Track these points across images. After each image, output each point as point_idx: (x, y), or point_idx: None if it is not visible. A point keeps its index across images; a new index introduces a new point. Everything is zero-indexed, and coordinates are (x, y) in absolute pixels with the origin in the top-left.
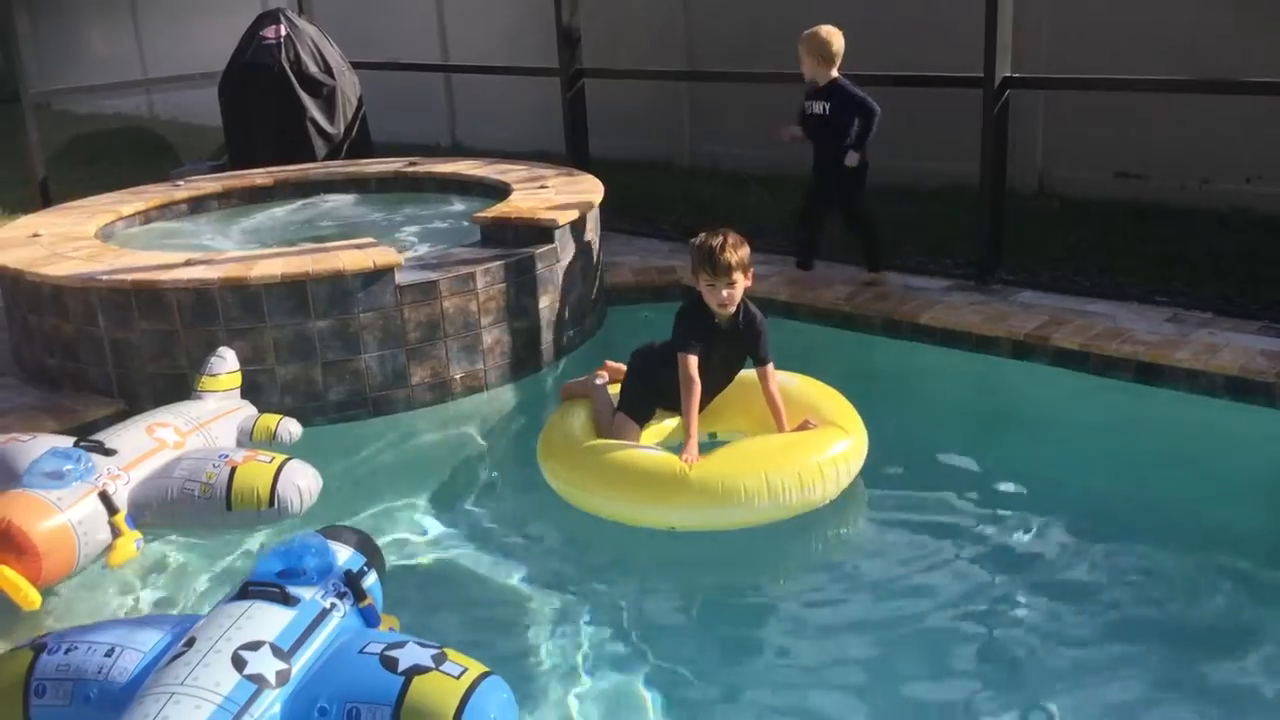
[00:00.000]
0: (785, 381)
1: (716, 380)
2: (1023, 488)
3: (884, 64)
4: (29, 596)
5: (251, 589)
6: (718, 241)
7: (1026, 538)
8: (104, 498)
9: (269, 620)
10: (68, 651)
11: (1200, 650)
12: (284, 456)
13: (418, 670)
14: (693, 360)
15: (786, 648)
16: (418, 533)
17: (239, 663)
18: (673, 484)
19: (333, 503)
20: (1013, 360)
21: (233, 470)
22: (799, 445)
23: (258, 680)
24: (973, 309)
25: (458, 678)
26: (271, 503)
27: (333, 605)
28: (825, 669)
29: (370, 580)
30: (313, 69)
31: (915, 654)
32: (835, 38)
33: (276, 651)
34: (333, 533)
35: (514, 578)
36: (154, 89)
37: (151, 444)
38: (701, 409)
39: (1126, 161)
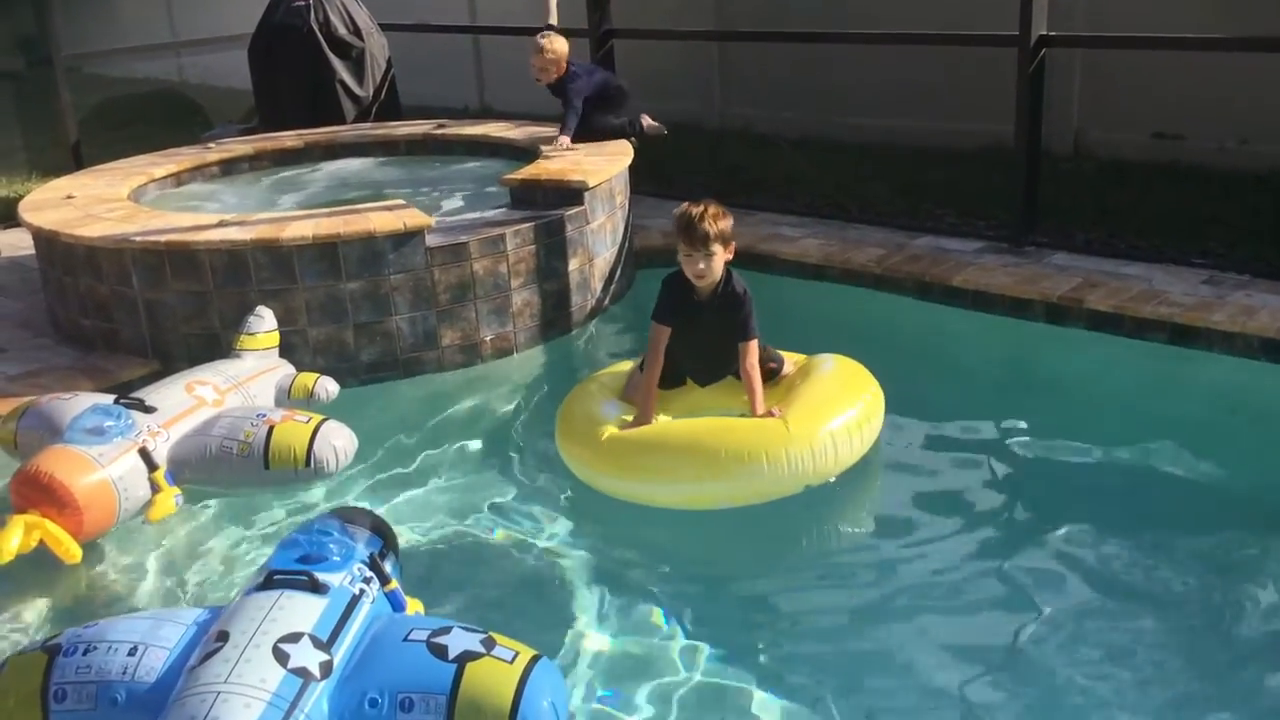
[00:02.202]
0: (822, 364)
1: (709, 352)
2: (1055, 452)
3: (919, 23)
4: (70, 550)
5: (277, 578)
6: (697, 211)
7: (1058, 503)
8: (144, 454)
9: (303, 610)
10: (86, 652)
11: (1231, 619)
12: (321, 417)
13: (469, 656)
14: (662, 330)
15: (811, 620)
16: (443, 500)
17: (281, 656)
18: (589, 446)
19: (363, 465)
20: (1046, 323)
21: (270, 429)
22: (719, 433)
23: (303, 674)
24: (1006, 271)
25: (510, 662)
26: (308, 462)
27: (361, 591)
28: (846, 642)
29: (390, 563)
30: (342, 31)
31: (938, 625)
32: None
33: (316, 642)
34: (345, 514)
35: (540, 551)
36: (184, 52)
37: (191, 402)
38: (705, 382)
39: (1163, 122)
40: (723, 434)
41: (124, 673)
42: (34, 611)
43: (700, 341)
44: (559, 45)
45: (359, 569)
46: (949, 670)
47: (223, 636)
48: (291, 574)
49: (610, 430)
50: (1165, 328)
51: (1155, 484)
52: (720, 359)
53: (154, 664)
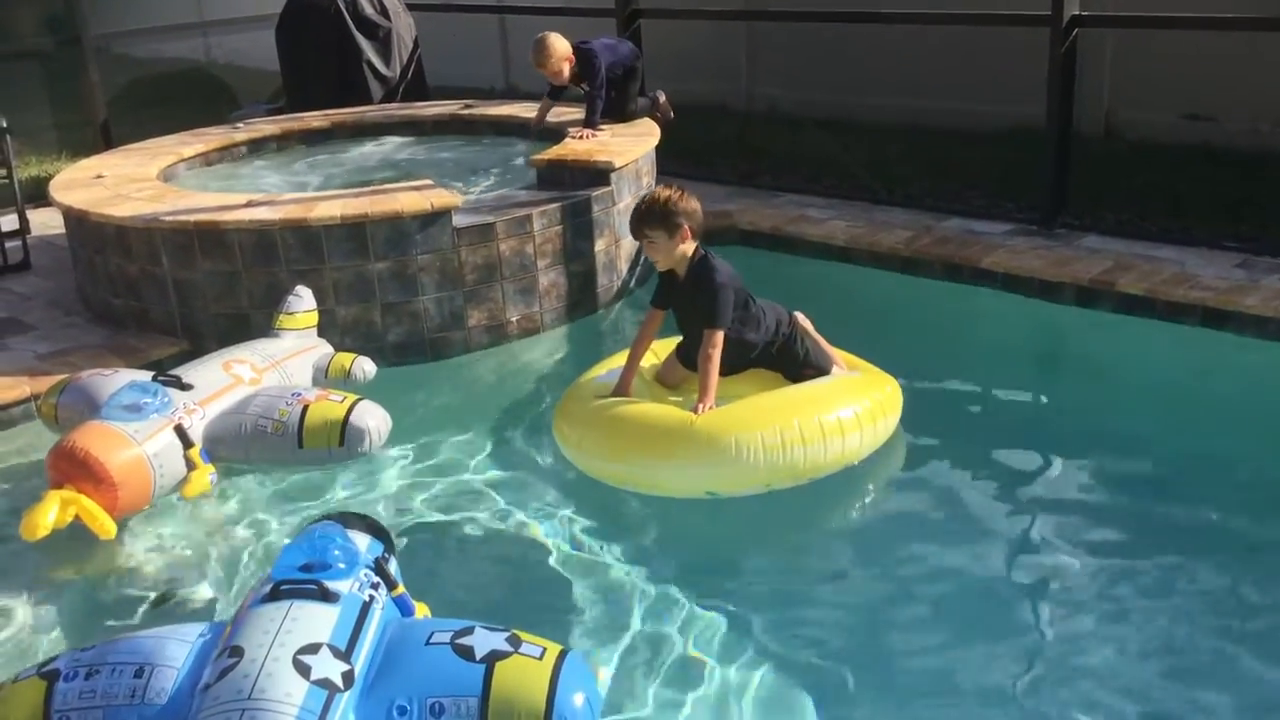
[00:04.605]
0: (840, 375)
1: (690, 335)
2: (1084, 435)
3: (949, 2)
4: (105, 525)
5: (284, 588)
6: (652, 192)
7: (1087, 486)
8: (179, 431)
9: (316, 620)
10: (88, 676)
11: (1261, 604)
12: (355, 397)
13: (497, 656)
14: (652, 314)
15: (831, 608)
16: (464, 484)
17: (303, 669)
18: (559, 408)
19: (388, 447)
20: (1076, 306)
21: (305, 408)
22: (636, 419)
23: (327, 685)
24: (1036, 254)
25: (540, 659)
26: (342, 442)
27: (371, 597)
28: (866, 629)
29: (393, 567)
30: (369, 11)
31: (958, 611)
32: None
33: (336, 652)
34: (343, 519)
35: (561, 539)
36: (211, 32)
37: (227, 380)
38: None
39: (1196, 103)
40: (638, 419)
41: (132, 696)
42: (71, 587)
43: (690, 326)
44: (558, 42)
45: (365, 575)
46: (969, 660)
47: (236, 652)
48: (299, 583)
49: (580, 397)
50: (1197, 311)
51: (1186, 467)
52: (694, 342)
53: (163, 685)
